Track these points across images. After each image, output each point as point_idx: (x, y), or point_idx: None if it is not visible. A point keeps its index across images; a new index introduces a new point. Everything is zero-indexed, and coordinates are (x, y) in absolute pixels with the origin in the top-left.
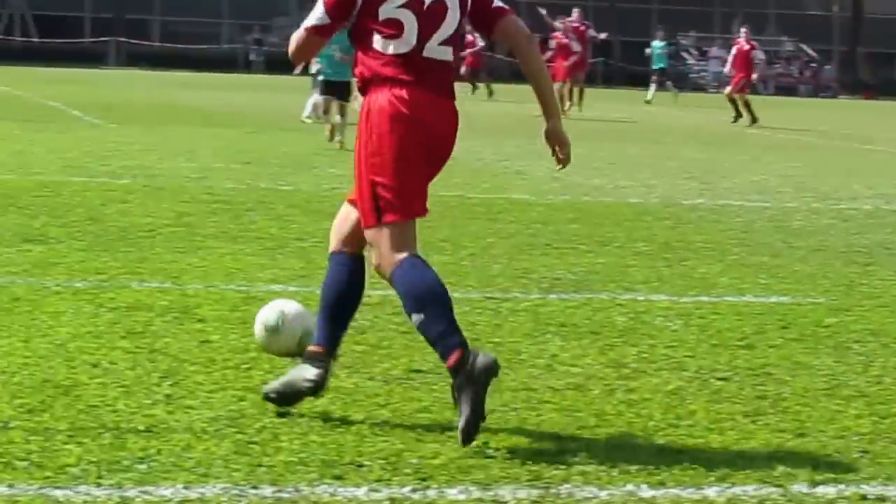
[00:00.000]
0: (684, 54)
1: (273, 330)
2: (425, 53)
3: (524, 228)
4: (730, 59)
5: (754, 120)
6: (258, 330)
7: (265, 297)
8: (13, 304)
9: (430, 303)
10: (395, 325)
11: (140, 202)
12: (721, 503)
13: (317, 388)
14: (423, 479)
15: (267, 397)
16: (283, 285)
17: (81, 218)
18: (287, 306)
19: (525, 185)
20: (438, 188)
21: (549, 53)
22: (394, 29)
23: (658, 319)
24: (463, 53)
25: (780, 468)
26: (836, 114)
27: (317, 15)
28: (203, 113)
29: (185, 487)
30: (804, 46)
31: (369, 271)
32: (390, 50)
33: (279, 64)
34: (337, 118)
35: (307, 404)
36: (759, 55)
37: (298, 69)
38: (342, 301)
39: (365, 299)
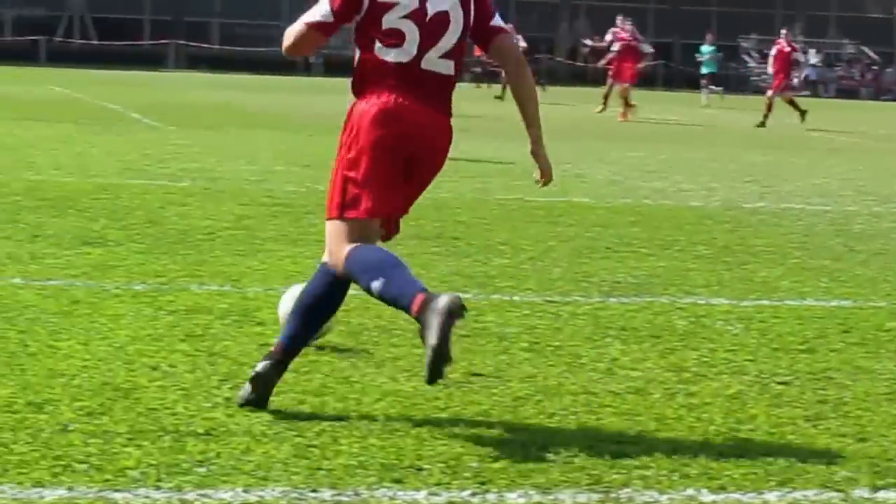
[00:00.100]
0: (745, 57)
1: None
2: (424, 65)
3: (584, 231)
4: (770, 60)
5: (802, 115)
6: (282, 317)
7: None
8: (73, 307)
9: (388, 266)
10: (454, 329)
11: (199, 205)
12: None
13: (254, 377)
14: (483, 483)
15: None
16: None
17: (141, 221)
18: None
19: (585, 188)
20: (498, 191)
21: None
22: (395, 38)
23: (718, 323)
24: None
25: (841, 473)
26: None
27: (321, 12)
28: (263, 115)
29: (245, 491)
30: (865, 49)
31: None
32: (389, 58)
33: (339, 66)
34: None
35: (367, 408)
36: (800, 57)
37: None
38: (315, 312)
39: None
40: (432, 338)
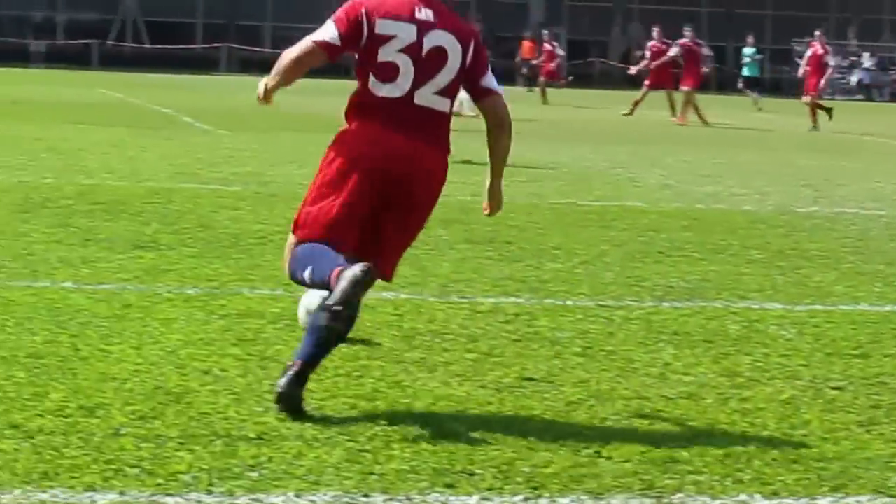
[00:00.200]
0: (798, 60)
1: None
2: (417, 101)
3: (637, 236)
4: (803, 62)
5: (825, 112)
6: (301, 314)
7: (376, 304)
8: (125, 311)
9: (316, 255)
10: (506, 334)
11: (251, 209)
12: None
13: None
14: (535, 488)
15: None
16: (395, 293)
17: (193, 225)
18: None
19: (638, 192)
20: (551, 195)
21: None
22: (389, 72)
23: (772, 328)
24: (536, 61)
25: (895, 479)
26: None
27: (329, 33)
28: (314, 119)
29: (297, 495)
30: None
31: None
32: (382, 93)
33: None
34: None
35: (419, 412)
36: (831, 60)
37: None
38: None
39: (477, 307)
40: (329, 299)
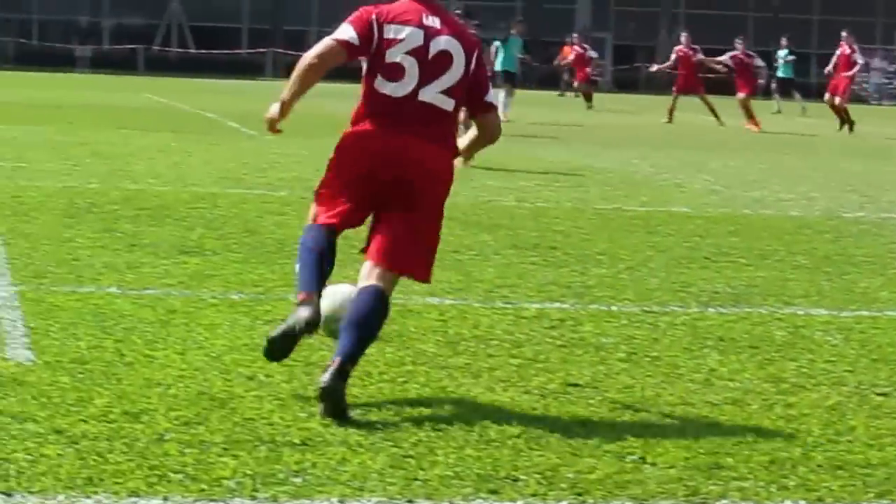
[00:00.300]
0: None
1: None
2: (421, 97)
3: (683, 241)
4: (832, 63)
5: (846, 124)
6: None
7: (422, 310)
8: (169, 316)
9: (301, 255)
10: (551, 339)
11: (297, 214)
12: None
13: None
14: (580, 494)
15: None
16: (440, 298)
17: (238, 230)
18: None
19: (684, 198)
20: (596, 200)
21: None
22: (396, 73)
23: (818, 334)
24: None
25: None
26: None
27: (349, 34)
28: None
29: (341, 501)
30: None
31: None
32: (387, 91)
33: None
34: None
35: (463, 418)
36: (859, 59)
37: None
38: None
39: (522, 312)
40: (275, 330)
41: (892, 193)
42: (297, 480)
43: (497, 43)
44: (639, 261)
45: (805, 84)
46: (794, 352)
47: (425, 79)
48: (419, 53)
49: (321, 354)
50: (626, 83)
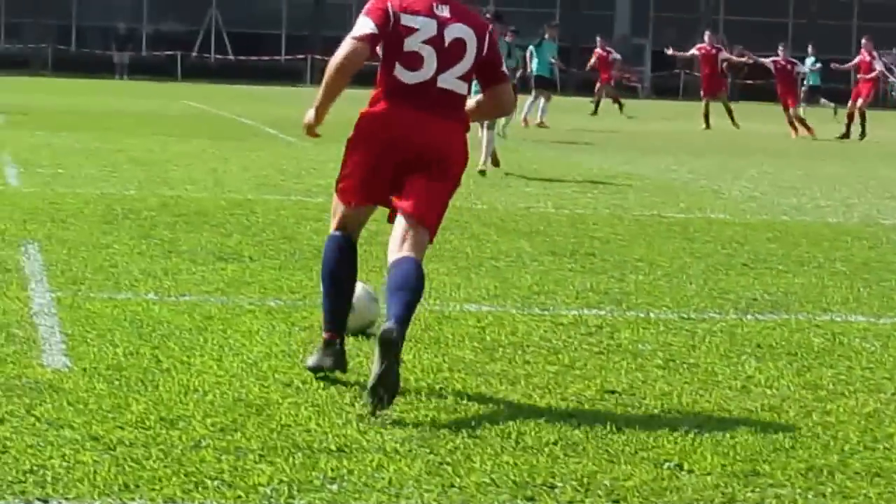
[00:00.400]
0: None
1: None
2: (440, 83)
3: (720, 248)
4: (852, 67)
5: (861, 130)
6: None
7: (459, 316)
8: (206, 323)
9: (325, 280)
10: (588, 346)
11: None
12: None
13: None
14: (616, 501)
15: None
16: (477, 305)
17: (275, 236)
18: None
19: (722, 204)
20: (634, 207)
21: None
22: (414, 61)
23: (856, 341)
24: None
25: None
26: None
27: (367, 26)
28: None
29: None
30: None
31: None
32: (406, 79)
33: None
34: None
35: (500, 425)
36: (877, 65)
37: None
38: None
39: (559, 319)
40: (308, 360)
41: None
42: (334, 487)
43: (531, 48)
44: (677, 267)
45: (846, 91)
46: (832, 359)
47: (443, 66)
48: (435, 42)
49: (357, 361)
50: (664, 89)
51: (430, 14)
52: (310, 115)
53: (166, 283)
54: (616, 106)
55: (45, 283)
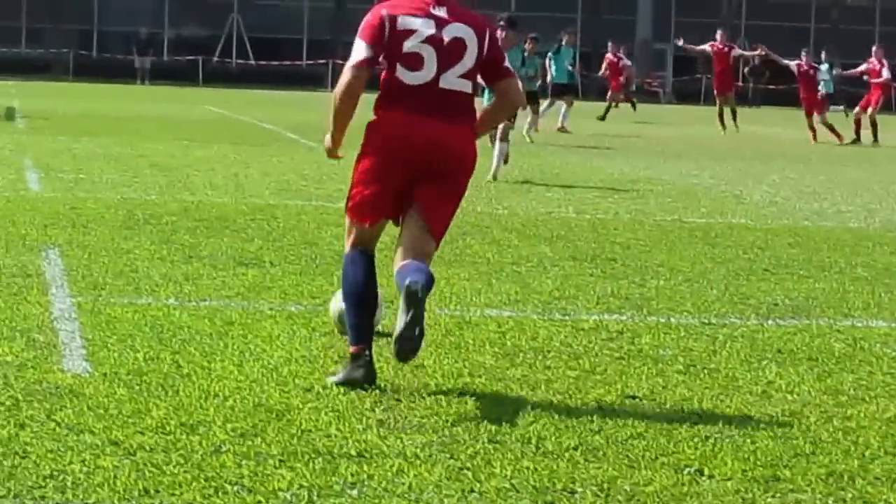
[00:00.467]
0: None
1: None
2: (442, 84)
3: (742, 253)
4: (861, 73)
5: (872, 135)
6: (333, 314)
7: (479, 322)
8: (227, 328)
9: (349, 297)
10: (609, 351)
11: None
12: None
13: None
14: None
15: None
16: (498, 310)
17: (296, 241)
18: None
19: (743, 209)
20: (655, 212)
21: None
22: (415, 62)
23: (877, 346)
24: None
25: None
26: None
27: (361, 51)
28: None
29: None
30: None
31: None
32: (408, 80)
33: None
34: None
35: (520, 430)
36: (885, 73)
37: None
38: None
39: (579, 324)
40: (336, 376)
41: None
42: (354, 492)
43: (550, 54)
44: (698, 272)
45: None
46: (853, 364)
47: (444, 66)
48: (435, 42)
49: (378, 366)
50: (686, 94)
51: (427, 14)
52: (328, 140)
53: (187, 289)
54: (629, 106)
55: (65, 289)
